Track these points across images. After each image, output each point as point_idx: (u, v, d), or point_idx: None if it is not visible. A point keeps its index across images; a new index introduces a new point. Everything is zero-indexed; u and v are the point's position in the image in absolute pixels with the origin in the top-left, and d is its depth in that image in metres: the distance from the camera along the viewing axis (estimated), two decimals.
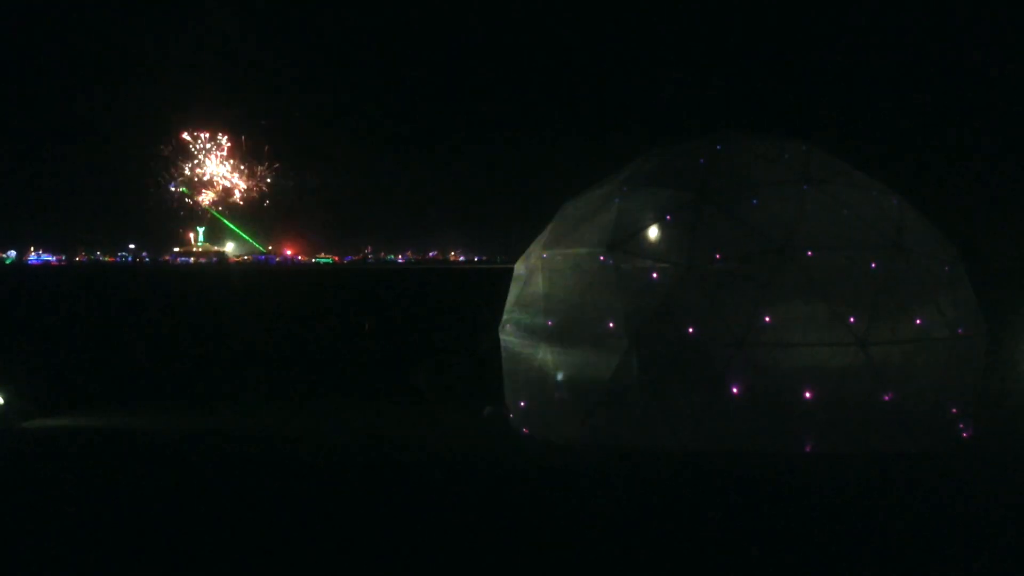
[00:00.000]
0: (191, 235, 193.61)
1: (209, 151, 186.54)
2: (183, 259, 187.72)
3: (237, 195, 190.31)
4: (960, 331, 10.02)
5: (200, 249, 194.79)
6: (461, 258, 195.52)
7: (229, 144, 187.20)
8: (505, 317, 11.63)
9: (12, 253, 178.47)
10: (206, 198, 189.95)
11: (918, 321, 9.85)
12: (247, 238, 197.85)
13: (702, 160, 11.04)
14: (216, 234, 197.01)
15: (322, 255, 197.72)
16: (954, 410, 10.06)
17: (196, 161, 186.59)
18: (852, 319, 9.53)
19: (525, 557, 6.42)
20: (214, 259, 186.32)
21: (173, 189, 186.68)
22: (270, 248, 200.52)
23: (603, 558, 6.39)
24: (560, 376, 10.52)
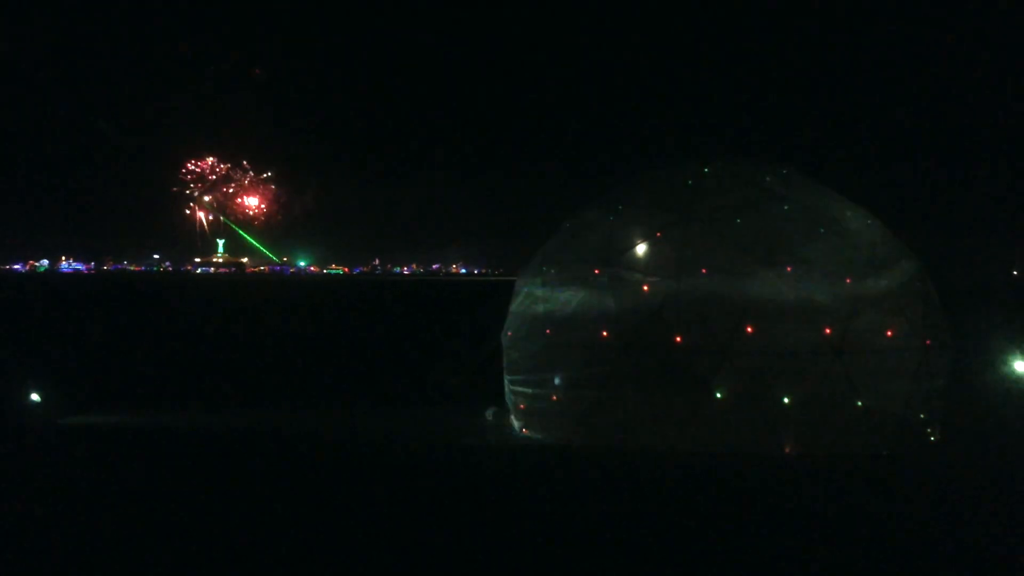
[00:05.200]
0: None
1: (230, 171, 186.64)
2: (204, 268, 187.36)
3: (254, 210, 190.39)
4: (928, 342, 10.07)
5: (220, 260, 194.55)
6: (462, 271, 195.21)
7: (248, 165, 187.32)
8: (506, 325, 11.68)
9: (45, 262, 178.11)
10: (225, 213, 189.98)
11: (889, 332, 9.90)
12: (264, 250, 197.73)
13: (690, 182, 11.12)
14: (235, 246, 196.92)
15: (333, 266, 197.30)
16: (922, 415, 10.10)
17: (217, 180, 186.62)
18: (828, 330, 9.58)
19: (523, 550, 6.45)
20: (233, 269, 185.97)
21: (195, 205, 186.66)
22: (285, 259, 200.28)
23: (595, 551, 6.42)
24: (557, 381, 10.55)
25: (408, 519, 7.12)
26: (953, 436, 10.34)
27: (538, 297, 11.24)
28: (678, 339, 9.82)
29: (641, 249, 10.63)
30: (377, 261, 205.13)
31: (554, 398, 10.57)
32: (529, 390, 11.01)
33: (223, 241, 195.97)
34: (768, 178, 11.18)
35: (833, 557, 6.28)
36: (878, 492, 8.13)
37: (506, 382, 11.56)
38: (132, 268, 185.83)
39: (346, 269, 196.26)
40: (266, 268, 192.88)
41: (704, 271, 10.06)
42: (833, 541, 6.64)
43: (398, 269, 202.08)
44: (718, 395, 9.60)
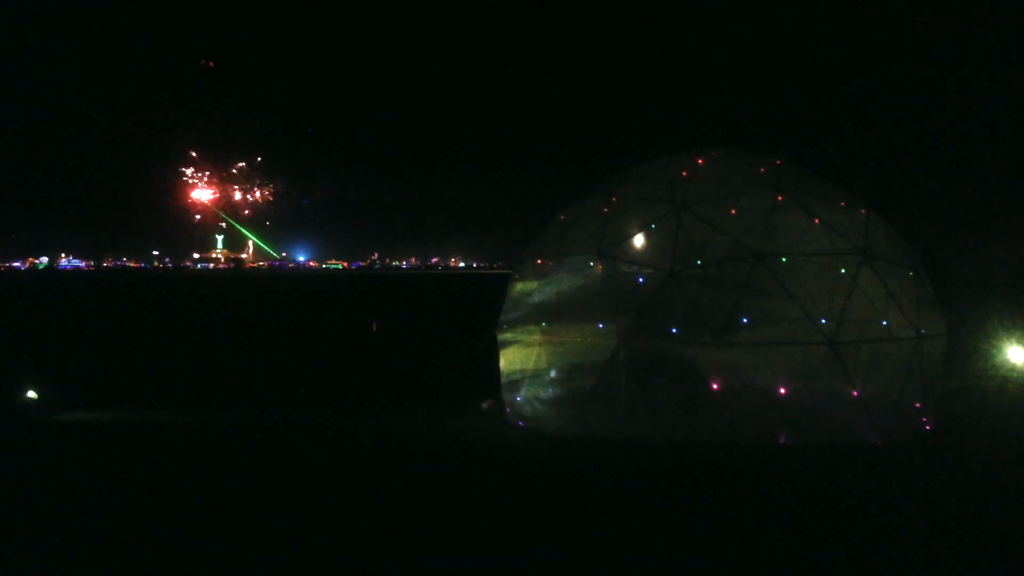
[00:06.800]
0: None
1: (228, 166, 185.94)
2: (203, 264, 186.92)
3: (253, 204, 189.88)
4: (922, 331, 10.05)
5: (219, 255, 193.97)
6: (461, 264, 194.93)
7: (245, 159, 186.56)
8: (502, 318, 11.64)
9: (44, 259, 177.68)
10: (225, 208, 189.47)
11: (883, 322, 9.88)
12: (262, 245, 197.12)
13: (684, 173, 11.07)
14: (234, 241, 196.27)
15: (332, 261, 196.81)
16: (917, 404, 10.08)
17: (217, 174, 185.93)
18: (822, 320, 9.56)
19: (519, 541, 6.42)
20: (232, 264, 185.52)
21: (194, 199, 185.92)
22: (284, 254, 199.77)
23: (591, 541, 6.40)
24: (553, 372, 10.52)
25: (405, 512, 7.09)
26: (948, 426, 10.33)
27: (533, 289, 11.21)
28: (673, 330, 9.79)
29: (636, 240, 10.60)
30: (376, 255, 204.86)
31: (550, 389, 10.54)
32: (525, 381, 10.99)
33: (222, 237, 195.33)
34: (762, 169, 11.15)
35: (829, 547, 6.26)
36: (872, 481, 8.10)
37: (502, 374, 11.54)
38: (131, 265, 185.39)
39: (345, 264, 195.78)
40: (265, 263, 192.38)
41: (699, 261, 10.04)
42: (828, 531, 6.62)
43: (397, 263, 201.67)
44: (713, 386, 9.57)
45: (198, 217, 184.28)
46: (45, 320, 29.38)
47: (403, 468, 8.71)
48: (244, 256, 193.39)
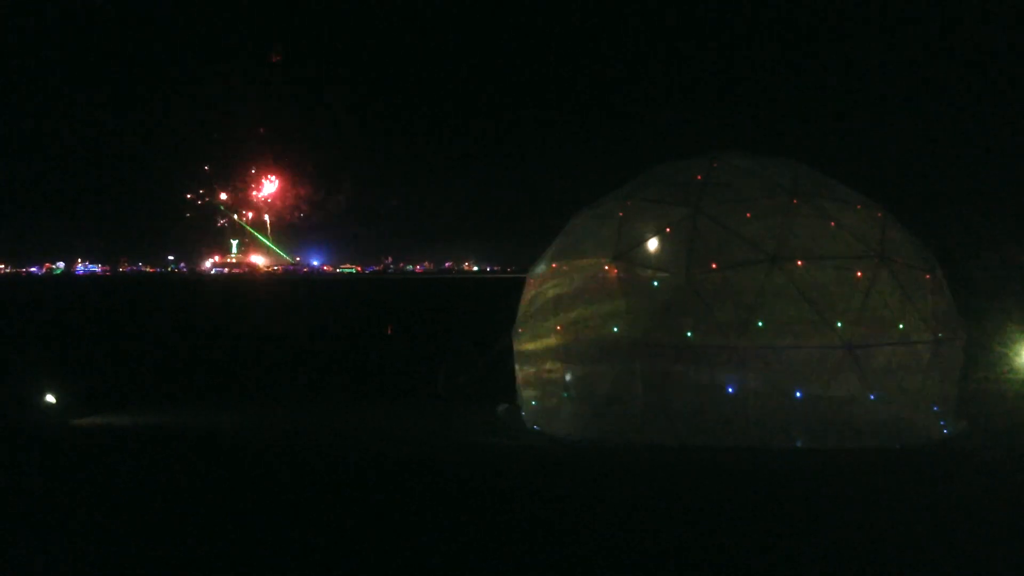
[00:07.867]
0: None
1: (243, 172, 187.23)
2: (218, 269, 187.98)
3: (267, 210, 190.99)
4: (940, 335, 9.98)
5: (234, 260, 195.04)
6: (475, 268, 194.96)
7: (261, 165, 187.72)
8: (517, 322, 11.66)
9: (61, 264, 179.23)
10: (239, 213, 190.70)
11: (901, 326, 9.82)
12: (277, 250, 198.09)
13: (699, 176, 11.05)
14: (249, 246, 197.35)
15: (346, 265, 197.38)
16: (935, 409, 10.01)
17: (231, 181, 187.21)
18: (839, 323, 9.51)
19: (532, 544, 6.43)
20: (247, 269, 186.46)
21: (207, 201, 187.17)
22: (298, 259, 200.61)
23: (604, 545, 6.39)
24: (568, 377, 10.52)
25: (420, 517, 7.11)
26: (966, 431, 10.25)
27: (548, 293, 11.21)
28: (688, 334, 9.77)
29: (651, 244, 10.59)
30: (389, 259, 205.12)
31: (565, 394, 10.55)
32: (540, 387, 10.99)
33: (236, 242, 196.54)
34: (777, 172, 11.11)
35: (846, 553, 6.23)
36: (890, 487, 8.05)
37: (517, 379, 11.55)
38: (148, 270, 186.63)
39: (359, 268, 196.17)
40: (279, 268, 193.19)
41: (714, 266, 10.01)
42: (845, 536, 6.59)
43: (410, 267, 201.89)
44: (729, 390, 9.54)
45: (222, 221, 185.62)
46: (63, 325, 29.64)
47: (416, 472, 8.73)
48: (262, 262, 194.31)
